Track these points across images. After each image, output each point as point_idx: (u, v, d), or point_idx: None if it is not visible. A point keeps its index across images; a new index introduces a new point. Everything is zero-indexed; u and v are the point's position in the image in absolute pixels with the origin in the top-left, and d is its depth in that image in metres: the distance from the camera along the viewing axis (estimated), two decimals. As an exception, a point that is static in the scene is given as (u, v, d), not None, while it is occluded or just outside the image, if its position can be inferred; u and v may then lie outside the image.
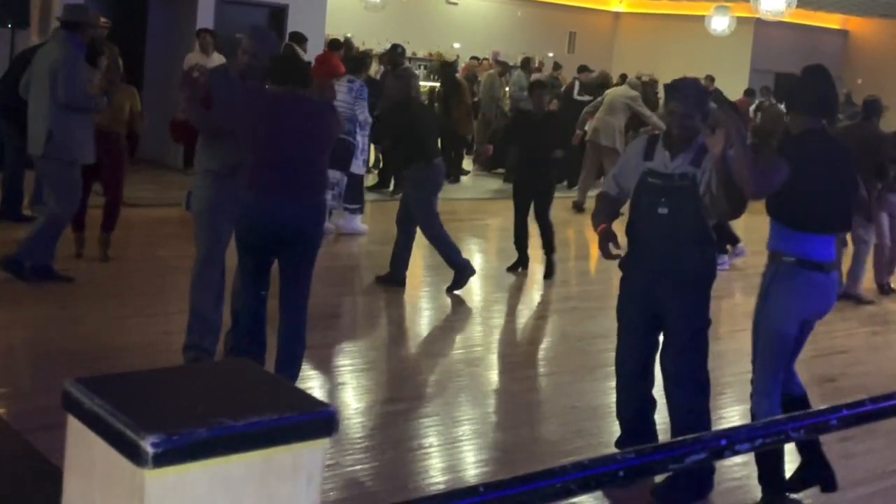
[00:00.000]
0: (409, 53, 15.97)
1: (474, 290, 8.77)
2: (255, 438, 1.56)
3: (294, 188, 5.11)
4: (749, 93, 17.63)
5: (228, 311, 5.84)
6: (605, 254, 4.66)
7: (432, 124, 8.64)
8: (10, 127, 8.84)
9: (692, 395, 4.65)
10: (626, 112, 13.82)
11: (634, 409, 4.84)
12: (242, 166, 5.33)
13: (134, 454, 1.45)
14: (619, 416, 4.95)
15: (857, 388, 6.40)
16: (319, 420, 1.64)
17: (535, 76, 16.27)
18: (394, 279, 8.18)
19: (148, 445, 1.44)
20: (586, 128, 13.98)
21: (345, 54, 12.67)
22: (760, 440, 2.25)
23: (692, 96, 4.63)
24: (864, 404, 2.37)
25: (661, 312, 4.65)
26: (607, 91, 14.56)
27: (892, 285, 9.71)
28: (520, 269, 9.26)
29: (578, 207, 13.55)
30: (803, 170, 4.28)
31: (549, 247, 9.21)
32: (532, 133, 9.01)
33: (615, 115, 13.73)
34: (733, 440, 2.17)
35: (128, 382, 1.69)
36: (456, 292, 8.21)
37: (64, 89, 7.02)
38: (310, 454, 1.64)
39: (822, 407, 2.34)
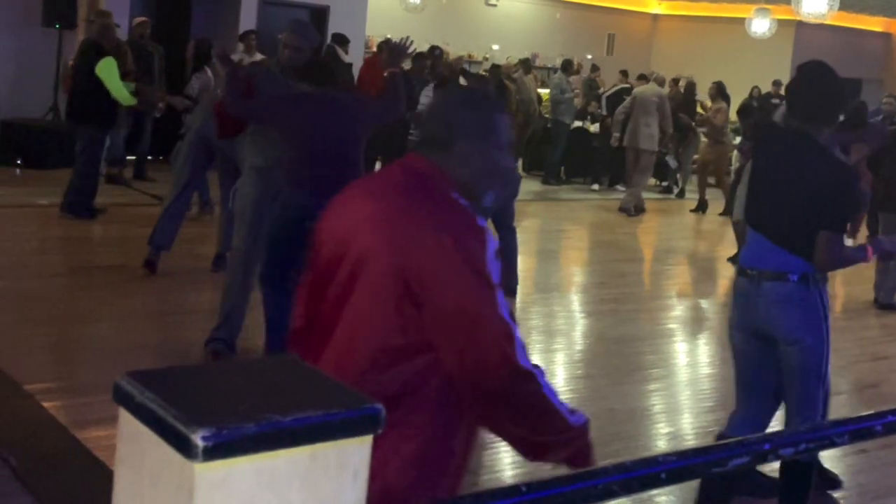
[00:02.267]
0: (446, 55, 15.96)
1: (512, 291, 8.77)
2: (301, 434, 1.57)
3: (330, 185, 5.15)
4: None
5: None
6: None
7: None
8: (78, 128, 9.29)
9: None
10: (658, 112, 13.72)
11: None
12: (282, 162, 5.41)
13: (184, 447, 1.46)
14: None
15: (898, 395, 6.35)
16: (365, 416, 1.65)
17: (573, 78, 16.26)
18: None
19: (198, 439, 1.45)
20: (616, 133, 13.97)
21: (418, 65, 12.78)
22: (804, 445, 2.24)
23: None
24: (910, 410, 2.35)
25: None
26: (634, 91, 14.41)
27: None
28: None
29: (639, 209, 13.49)
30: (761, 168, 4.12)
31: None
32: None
33: (650, 115, 13.64)
34: (777, 444, 2.16)
35: (177, 377, 1.70)
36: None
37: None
38: (355, 450, 1.65)
39: (865, 413, 2.33)
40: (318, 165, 5.21)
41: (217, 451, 1.47)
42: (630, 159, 13.72)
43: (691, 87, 16.51)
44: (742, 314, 4.15)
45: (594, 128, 16.12)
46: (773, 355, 4.13)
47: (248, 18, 13.19)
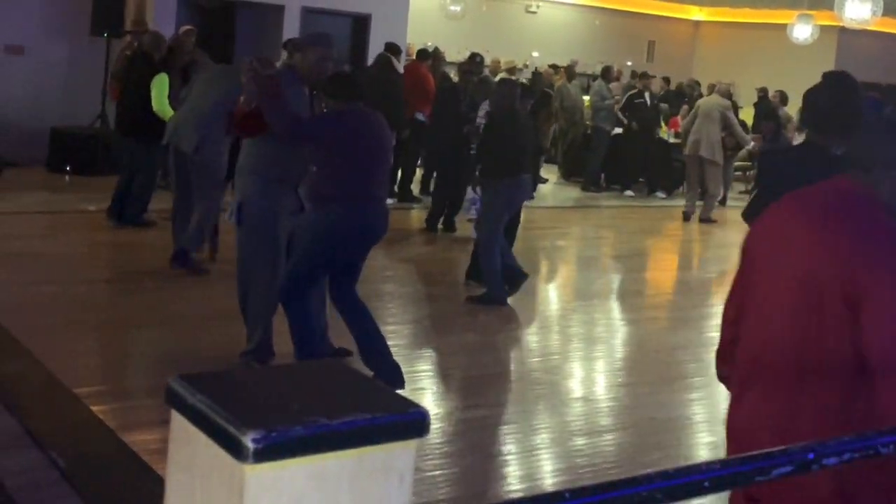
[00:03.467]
0: (487, 62, 15.97)
1: (552, 299, 8.78)
2: (349, 437, 1.59)
3: (381, 195, 5.65)
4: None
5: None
6: None
7: (531, 138, 8.60)
8: (130, 142, 9.45)
9: None
10: (721, 122, 13.68)
11: None
12: (305, 176, 5.59)
13: (235, 449, 1.49)
14: None
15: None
16: (411, 421, 1.67)
17: (613, 84, 16.21)
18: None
19: (249, 441, 1.47)
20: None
21: (435, 63, 12.80)
22: (849, 454, 2.23)
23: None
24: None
25: None
26: (699, 101, 14.41)
27: None
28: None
29: (687, 218, 13.47)
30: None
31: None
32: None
33: (713, 125, 13.59)
34: (821, 454, 2.16)
35: (227, 380, 1.74)
36: (529, 300, 8.22)
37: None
38: (401, 454, 1.67)
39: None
40: (377, 180, 5.60)
41: (267, 452, 1.49)
42: (690, 168, 13.68)
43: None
44: None
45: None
46: None
47: (291, 27, 13.29)
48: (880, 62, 21.64)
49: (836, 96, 3.97)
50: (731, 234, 13.35)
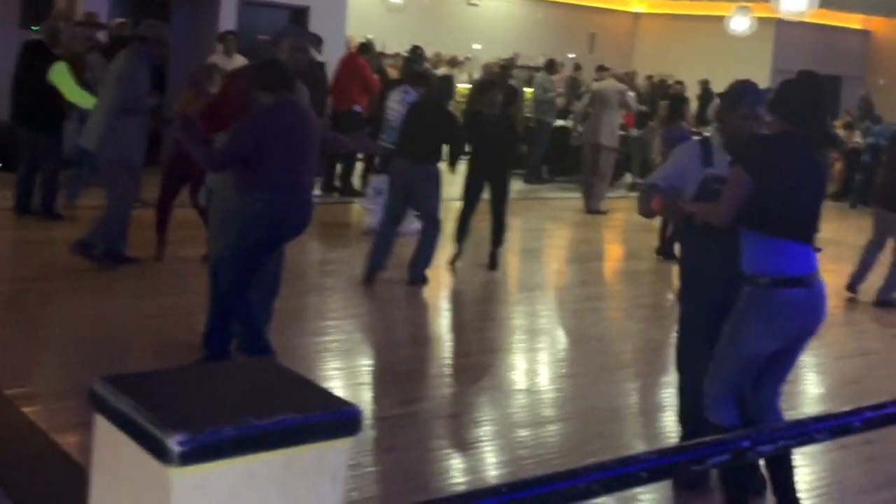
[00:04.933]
0: (428, 55, 15.94)
1: (495, 292, 8.78)
2: (279, 437, 1.57)
3: (304, 188, 5.55)
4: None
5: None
6: (683, 209, 4.46)
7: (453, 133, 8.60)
8: (31, 132, 9.18)
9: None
10: (619, 106, 13.70)
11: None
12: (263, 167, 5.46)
13: (160, 452, 1.46)
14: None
15: (879, 391, 6.36)
16: (343, 419, 1.65)
17: (555, 77, 16.25)
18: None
19: (174, 444, 1.45)
20: (580, 128, 13.96)
21: (405, 66, 12.76)
22: (783, 442, 2.24)
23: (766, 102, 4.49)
24: (888, 406, 2.37)
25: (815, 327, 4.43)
26: (594, 87, 14.34)
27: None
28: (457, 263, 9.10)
29: (594, 211, 13.47)
30: (774, 170, 4.10)
31: (498, 241, 9.20)
32: (487, 132, 9.00)
33: (611, 110, 13.53)
34: (756, 441, 2.17)
35: (154, 381, 1.70)
36: (472, 292, 8.24)
37: (119, 92, 7.59)
38: (334, 453, 1.65)
39: (846, 409, 2.34)
40: (297, 171, 5.45)
41: (193, 455, 1.47)
42: (587, 155, 13.57)
43: (662, 84, 16.70)
44: (795, 322, 4.16)
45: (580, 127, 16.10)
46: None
47: (227, 19, 13.13)
48: (816, 53, 21.93)
49: (812, 95, 4.22)
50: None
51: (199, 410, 1.57)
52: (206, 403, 1.62)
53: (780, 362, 4.31)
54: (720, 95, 4.87)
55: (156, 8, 13.18)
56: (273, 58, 5.69)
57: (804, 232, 4.12)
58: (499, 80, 13.44)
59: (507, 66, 14.92)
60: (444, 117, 8.39)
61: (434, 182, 8.25)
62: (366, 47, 13.18)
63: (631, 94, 14.41)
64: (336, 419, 1.65)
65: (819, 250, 4.17)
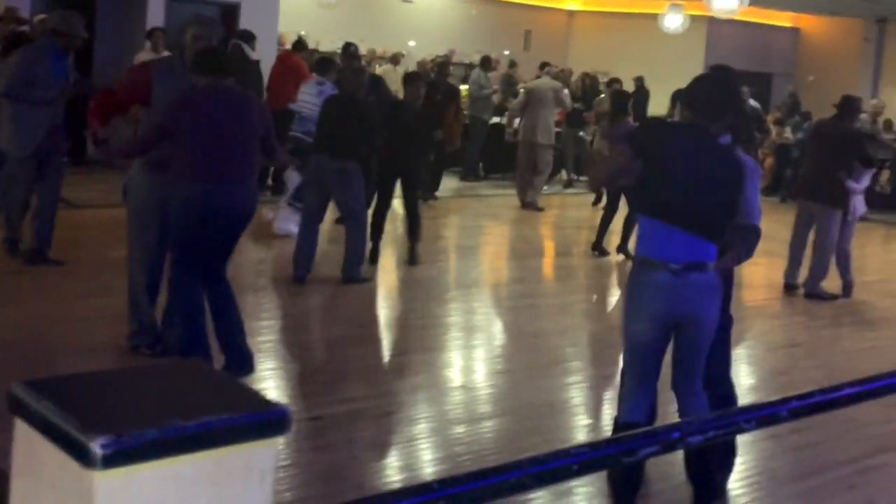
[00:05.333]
0: (362, 51, 15.88)
1: (431, 289, 8.78)
2: (205, 438, 1.55)
3: (230, 174, 5.39)
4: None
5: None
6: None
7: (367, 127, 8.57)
8: None
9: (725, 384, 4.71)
10: (554, 103, 13.77)
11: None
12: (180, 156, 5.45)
13: (82, 456, 1.44)
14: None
15: (808, 381, 6.48)
16: (271, 419, 1.64)
17: (491, 74, 16.30)
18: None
19: (96, 447, 1.42)
20: (515, 125, 13.97)
21: (311, 54, 12.64)
22: (712, 432, 2.27)
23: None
24: (814, 395, 2.41)
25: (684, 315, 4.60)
26: (528, 85, 14.42)
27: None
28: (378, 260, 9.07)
29: (530, 206, 13.53)
30: (663, 157, 4.18)
31: (414, 235, 9.23)
32: (406, 125, 8.98)
33: (546, 108, 13.60)
34: (686, 432, 2.19)
35: (76, 384, 1.67)
36: (408, 289, 8.24)
37: (5, 80, 7.61)
38: (262, 454, 1.64)
39: (774, 399, 2.37)
40: (220, 157, 5.34)
41: (116, 458, 1.45)
42: (522, 153, 13.61)
43: (594, 80, 16.89)
44: (663, 306, 4.22)
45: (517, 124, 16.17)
46: (667, 342, 4.33)
47: (155, 15, 12.95)
48: (747, 51, 22.26)
49: (726, 90, 4.36)
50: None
51: (123, 413, 1.55)
52: (130, 406, 1.60)
53: (677, 355, 4.36)
54: (677, 94, 5.01)
55: (81, 4, 12.96)
56: (210, 45, 5.65)
57: (683, 220, 4.13)
58: (437, 78, 13.46)
59: (444, 64, 14.88)
60: (358, 112, 8.32)
61: (353, 178, 8.18)
62: (301, 44, 13.09)
63: (566, 91, 14.52)
64: (264, 419, 1.63)
65: (716, 242, 4.18)
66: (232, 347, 5.58)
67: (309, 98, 9.73)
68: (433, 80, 13.45)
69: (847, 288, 9.48)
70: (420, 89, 9.17)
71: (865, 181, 9.55)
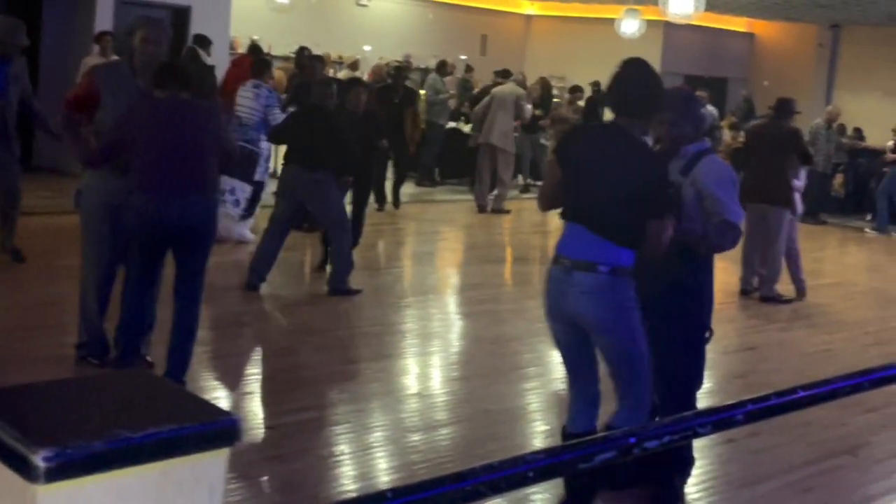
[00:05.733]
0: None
1: (387, 295, 8.75)
2: (153, 450, 1.52)
3: (180, 188, 5.32)
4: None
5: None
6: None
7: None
8: None
9: (685, 397, 4.59)
10: (514, 111, 13.89)
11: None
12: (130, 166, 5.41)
13: (24, 469, 1.41)
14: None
15: (764, 385, 6.52)
16: (220, 429, 1.61)
17: (447, 79, 16.30)
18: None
19: (39, 460, 1.40)
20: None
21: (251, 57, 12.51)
22: (668, 437, 2.27)
23: (679, 104, 4.60)
24: (769, 398, 2.41)
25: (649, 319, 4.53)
26: (493, 90, 14.54)
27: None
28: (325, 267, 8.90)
29: (497, 212, 13.58)
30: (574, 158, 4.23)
31: (355, 241, 9.19)
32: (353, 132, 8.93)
33: (506, 113, 13.76)
34: (642, 437, 2.19)
35: (20, 395, 1.64)
36: (355, 295, 8.20)
37: None
38: (211, 464, 1.61)
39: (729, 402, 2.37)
40: (171, 171, 5.29)
41: (60, 471, 1.42)
42: (483, 157, 13.71)
43: (546, 85, 17.08)
44: (554, 303, 4.23)
45: (468, 128, 16.22)
46: (585, 344, 4.26)
47: (104, 19, 12.76)
48: (703, 55, 22.45)
49: (643, 84, 4.25)
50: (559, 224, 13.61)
51: (67, 424, 1.52)
52: (75, 417, 1.57)
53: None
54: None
55: (27, 6, 12.78)
56: (161, 51, 5.61)
57: (587, 219, 4.11)
58: (395, 82, 13.41)
59: (403, 68, 14.83)
60: (329, 124, 8.27)
61: (326, 187, 8.15)
62: (256, 49, 13.00)
63: (529, 107, 14.62)
64: (212, 429, 1.61)
65: (622, 242, 4.08)
66: (177, 357, 5.50)
67: (246, 103, 9.62)
68: (391, 84, 13.42)
69: (800, 289, 9.61)
70: (361, 96, 9.05)
71: (804, 179, 9.93)
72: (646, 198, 4.06)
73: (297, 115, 8.56)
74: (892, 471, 5.40)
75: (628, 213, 4.06)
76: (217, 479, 1.63)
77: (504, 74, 16.28)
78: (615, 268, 4.07)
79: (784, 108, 9.67)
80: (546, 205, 4.49)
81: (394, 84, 13.35)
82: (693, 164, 4.48)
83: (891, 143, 15.02)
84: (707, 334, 4.64)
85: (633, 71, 4.29)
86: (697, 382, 4.72)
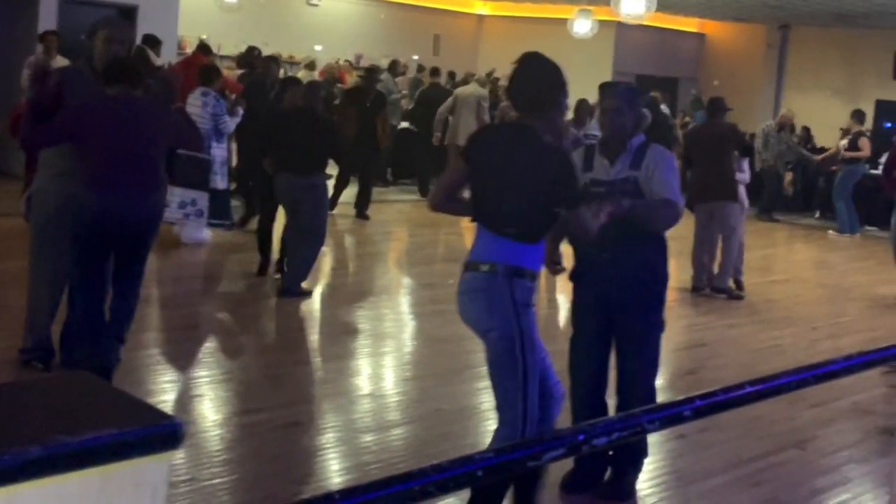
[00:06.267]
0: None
1: (339, 297, 8.72)
2: (92, 454, 1.50)
3: (129, 186, 5.31)
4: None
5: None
6: (552, 271, 4.60)
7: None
8: None
9: (649, 393, 4.61)
10: (477, 110, 14.08)
11: (588, 415, 4.57)
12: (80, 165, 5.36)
13: (-43, 476, 1.37)
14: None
15: (714, 380, 6.56)
16: (162, 433, 1.59)
17: (399, 79, 16.28)
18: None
19: (-27, 466, 1.36)
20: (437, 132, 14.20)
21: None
22: (617, 434, 2.27)
23: (623, 95, 4.60)
24: (717, 394, 2.43)
25: (614, 315, 4.57)
26: (457, 91, 14.70)
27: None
28: (267, 272, 8.79)
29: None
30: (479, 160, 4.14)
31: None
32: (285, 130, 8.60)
33: (471, 114, 13.97)
34: (591, 435, 2.19)
35: (-44, 401, 1.60)
36: (306, 296, 8.17)
37: None
38: (153, 469, 1.59)
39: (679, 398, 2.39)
40: (120, 169, 5.27)
41: (-4, 477, 1.39)
42: (451, 156, 13.79)
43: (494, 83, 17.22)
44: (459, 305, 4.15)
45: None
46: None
47: (48, 18, 12.59)
48: (654, 55, 22.61)
49: (538, 78, 4.16)
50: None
51: (5, 429, 1.50)
52: (13, 422, 1.54)
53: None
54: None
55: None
56: (122, 51, 5.56)
57: (488, 218, 4.04)
58: (367, 85, 13.25)
59: (373, 69, 14.65)
60: (319, 126, 8.20)
61: (320, 193, 8.15)
62: (206, 48, 12.87)
63: (486, 103, 14.74)
64: (154, 433, 1.58)
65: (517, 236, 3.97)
66: (106, 350, 5.47)
67: (195, 111, 9.47)
68: (362, 86, 13.28)
69: (738, 281, 9.84)
70: (298, 93, 8.79)
71: (747, 172, 10.22)
72: (554, 193, 3.97)
73: (284, 120, 8.38)
74: (839, 464, 5.46)
75: (528, 208, 3.96)
76: (160, 483, 1.61)
77: (452, 76, 16.34)
78: (504, 266, 3.91)
79: (717, 106, 10.05)
80: (437, 204, 4.33)
81: (365, 87, 13.19)
82: (640, 155, 4.50)
83: (844, 141, 15.19)
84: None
85: (530, 67, 4.16)
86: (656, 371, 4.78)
